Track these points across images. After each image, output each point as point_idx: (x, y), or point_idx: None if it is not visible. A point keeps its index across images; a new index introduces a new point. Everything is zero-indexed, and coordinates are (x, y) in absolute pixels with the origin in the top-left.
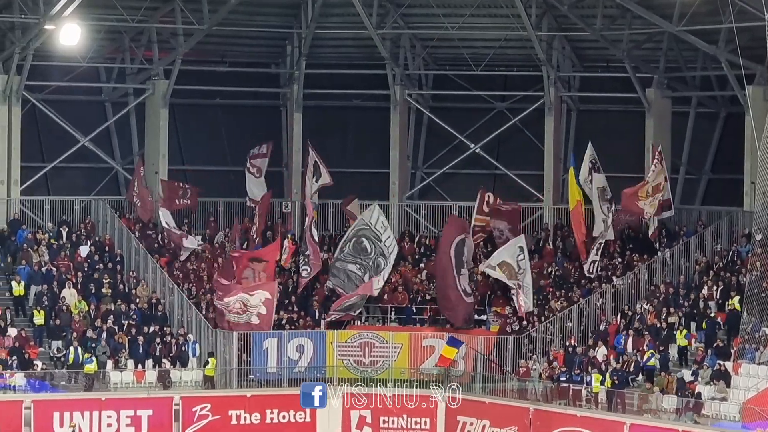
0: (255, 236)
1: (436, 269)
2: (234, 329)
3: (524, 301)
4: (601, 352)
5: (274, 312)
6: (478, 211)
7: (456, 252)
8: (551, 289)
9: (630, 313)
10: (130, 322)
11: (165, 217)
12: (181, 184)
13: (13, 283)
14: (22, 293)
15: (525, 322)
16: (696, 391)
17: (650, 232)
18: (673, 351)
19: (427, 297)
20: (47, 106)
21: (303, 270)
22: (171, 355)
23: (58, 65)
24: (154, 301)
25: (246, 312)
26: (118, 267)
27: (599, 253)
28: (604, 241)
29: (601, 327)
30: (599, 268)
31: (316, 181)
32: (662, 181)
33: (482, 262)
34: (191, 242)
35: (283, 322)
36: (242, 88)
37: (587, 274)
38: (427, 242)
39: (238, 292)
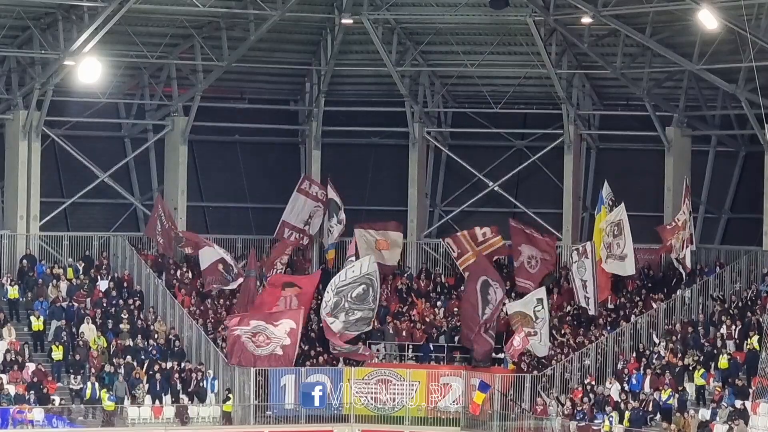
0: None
1: (463, 304)
2: (251, 365)
3: (533, 346)
4: (614, 389)
5: (297, 344)
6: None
7: (481, 291)
8: (569, 327)
9: (648, 352)
10: (150, 357)
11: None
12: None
13: (32, 318)
14: (41, 328)
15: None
16: None
17: (687, 268)
18: (691, 390)
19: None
20: (67, 142)
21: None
22: (189, 390)
23: (77, 101)
24: (172, 336)
25: (269, 344)
26: (137, 303)
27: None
28: (589, 279)
29: (619, 365)
30: (603, 303)
31: (338, 222)
32: (687, 217)
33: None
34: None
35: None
36: (261, 125)
37: (591, 314)
38: (442, 280)
39: (261, 320)
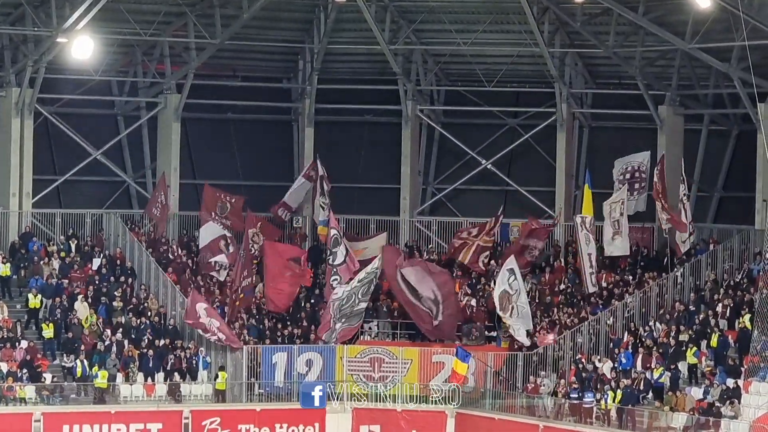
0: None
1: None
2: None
3: (518, 327)
4: (606, 367)
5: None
6: (487, 233)
7: (403, 283)
8: (562, 306)
9: (640, 330)
10: (143, 335)
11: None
12: (224, 197)
13: (30, 296)
14: (38, 306)
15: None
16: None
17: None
18: (683, 368)
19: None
20: (59, 119)
21: (333, 281)
22: (181, 368)
23: (70, 78)
24: (164, 314)
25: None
26: (130, 280)
27: (593, 264)
28: (593, 253)
29: (611, 344)
30: (599, 281)
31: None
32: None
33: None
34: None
35: (294, 337)
36: (254, 102)
37: (591, 288)
38: (438, 257)
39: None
